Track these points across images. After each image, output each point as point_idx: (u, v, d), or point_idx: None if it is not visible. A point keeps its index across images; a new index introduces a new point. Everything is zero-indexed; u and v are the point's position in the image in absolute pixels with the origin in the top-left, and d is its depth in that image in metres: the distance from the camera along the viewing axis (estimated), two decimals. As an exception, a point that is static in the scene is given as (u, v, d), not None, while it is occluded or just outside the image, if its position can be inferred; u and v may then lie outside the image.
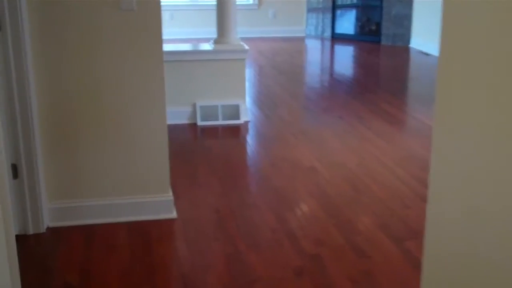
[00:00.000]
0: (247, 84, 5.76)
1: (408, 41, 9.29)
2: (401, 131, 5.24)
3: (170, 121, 4.87)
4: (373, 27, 9.71)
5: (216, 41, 5.25)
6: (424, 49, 8.79)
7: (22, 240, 2.99)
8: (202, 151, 4.61)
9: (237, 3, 9.94)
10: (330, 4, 9.90)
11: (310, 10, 10.15)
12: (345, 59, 9.03)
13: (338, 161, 4.37)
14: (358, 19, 9.92)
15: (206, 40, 8.21)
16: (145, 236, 3.11)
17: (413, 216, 3.43)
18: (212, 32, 5.24)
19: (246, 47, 5.25)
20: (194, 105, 5.21)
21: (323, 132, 5.07)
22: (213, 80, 5.21)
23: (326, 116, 5.60)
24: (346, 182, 3.98)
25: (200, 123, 5.19)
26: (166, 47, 5.30)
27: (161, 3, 3.12)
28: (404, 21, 9.27)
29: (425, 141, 4.86)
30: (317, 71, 7.96)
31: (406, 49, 9.10)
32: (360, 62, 8.53)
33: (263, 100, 6.12)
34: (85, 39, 3.02)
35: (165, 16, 9.33)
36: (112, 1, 3.01)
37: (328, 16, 9.95)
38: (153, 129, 3.20)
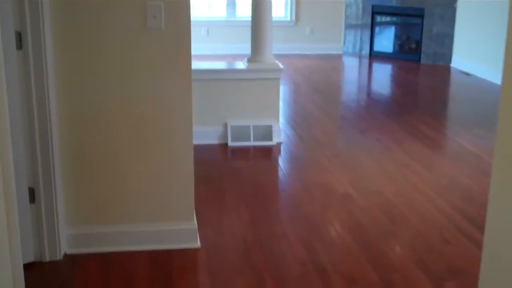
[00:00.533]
0: (281, 103, 5.59)
1: (449, 60, 9.00)
2: (440, 156, 4.99)
3: (200, 141, 4.77)
4: (413, 46, 9.45)
5: (250, 60, 5.10)
6: (466, 69, 8.49)
7: (37, 267, 2.86)
8: (231, 173, 4.44)
9: (274, 19, 9.86)
10: (369, 21, 9.68)
11: (348, 26, 9.95)
12: (383, 78, 8.78)
13: (374, 188, 4.15)
14: (397, 37, 9.67)
15: (242, 56, 8.07)
16: (166, 266, 2.95)
17: (454, 252, 3.20)
18: (248, 48, 5.09)
19: (281, 66, 5.08)
20: (225, 125, 5.05)
21: (359, 155, 4.86)
22: (246, 99, 5.05)
23: (363, 138, 5.38)
24: (382, 211, 3.76)
25: (231, 143, 5.03)
26: (199, 64, 5.22)
27: (197, 19, 2.98)
28: (446, 40, 8.99)
29: (466, 168, 4.62)
30: (354, 90, 7.73)
31: (446, 69, 8.82)
32: (398, 81, 8.28)
33: (298, 120, 5.93)
34: (109, 61, 2.88)
35: (201, 32, 9.26)
36: (139, 20, 2.87)
37: (367, 33, 9.73)
38: (178, 152, 3.04)
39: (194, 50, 3.07)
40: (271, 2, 5.05)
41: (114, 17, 2.84)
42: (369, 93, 7.58)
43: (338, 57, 9.81)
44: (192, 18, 2.99)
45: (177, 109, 2.99)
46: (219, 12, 9.90)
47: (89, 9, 2.81)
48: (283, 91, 6.93)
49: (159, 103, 2.96)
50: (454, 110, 6.67)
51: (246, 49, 5.22)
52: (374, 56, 9.71)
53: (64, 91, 2.86)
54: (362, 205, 3.84)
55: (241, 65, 5.16)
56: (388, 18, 9.76)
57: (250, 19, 5.06)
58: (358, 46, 9.88)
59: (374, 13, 9.66)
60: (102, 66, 2.88)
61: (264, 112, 5.09)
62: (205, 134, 4.94)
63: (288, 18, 9.93)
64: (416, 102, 7.05)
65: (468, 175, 4.46)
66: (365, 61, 9.57)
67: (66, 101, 2.87)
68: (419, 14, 9.17)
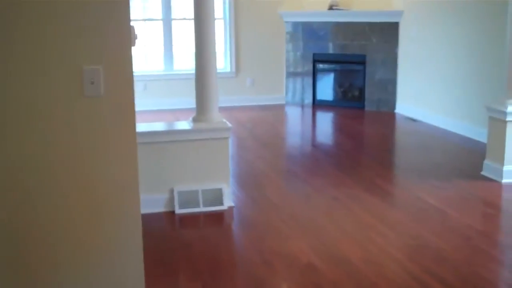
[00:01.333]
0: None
1: (393, 106, 8.90)
2: (403, 212, 4.69)
3: (144, 209, 4.28)
4: (356, 93, 9.32)
5: (195, 119, 4.74)
6: (411, 115, 8.39)
7: None
8: (182, 247, 4.00)
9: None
10: (310, 69, 9.51)
11: (289, 76, 9.74)
12: (329, 127, 8.57)
13: (340, 255, 3.81)
14: (340, 84, 9.53)
15: (182, 111, 7.72)
16: None
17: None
18: (189, 103, 4.73)
19: (229, 124, 4.73)
20: (171, 191, 4.64)
21: (318, 217, 4.52)
22: (193, 162, 4.67)
23: (318, 197, 5.05)
24: (351, 281, 3.41)
25: (178, 211, 4.60)
26: (140, 126, 4.79)
27: (134, 73, 2.60)
28: (389, 86, 8.90)
29: (432, 225, 4.36)
30: (302, 142, 7.45)
31: (392, 115, 8.70)
32: (345, 130, 8.06)
33: (247, 180, 5.57)
34: (42, 134, 2.46)
35: (138, 87, 8.86)
36: (75, 87, 2.47)
37: (309, 82, 9.55)
38: (123, 229, 2.61)
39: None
40: (215, 54, 4.73)
41: (46, 84, 2.44)
42: (316, 144, 7.31)
43: (281, 107, 9.57)
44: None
45: (121, 178, 2.58)
46: (156, 65, 9.54)
47: (17, 76, 2.41)
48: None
49: (100, 174, 2.55)
50: (407, 159, 6.45)
51: (186, 103, 4.90)
52: (318, 105, 9.52)
53: (-16, 176, 2.41)
54: (330, 277, 3.49)
55: (185, 125, 4.78)
56: (329, 66, 9.62)
57: (189, 71, 4.77)
58: (300, 95, 9.68)
59: (315, 61, 9.50)
60: (34, 141, 2.46)
61: (213, 174, 4.72)
62: (149, 202, 4.48)
63: (228, 69, 9.65)
64: (366, 152, 6.83)
65: (436, 233, 4.19)
66: (309, 110, 9.36)
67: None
68: (361, 61, 9.07)
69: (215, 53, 4.70)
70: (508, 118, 5.31)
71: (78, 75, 2.48)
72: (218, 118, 4.74)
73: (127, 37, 2.56)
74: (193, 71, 4.74)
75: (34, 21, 2.41)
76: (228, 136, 4.75)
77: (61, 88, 2.47)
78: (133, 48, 2.71)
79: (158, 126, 5.21)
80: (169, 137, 4.64)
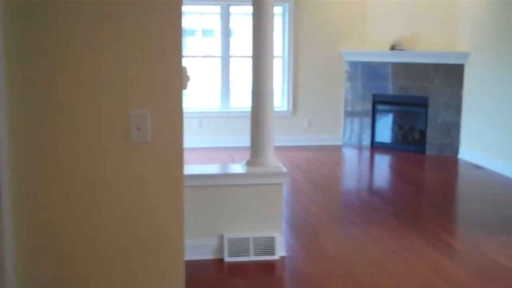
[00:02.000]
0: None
1: (456, 151, 8.49)
2: (471, 273, 4.30)
3: (191, 256, 4.11)
4: (417, 136, 8.96)
5: (249, 162, 4.52)
6: (475, 161, 7.97)
7: None
8: (230, 300, 3.76)
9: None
10: (369, 110, 9.23)
11: (347, 117, 9.46)
12: (388, 171, 8.21)
13: (400, 319, 3.48)
14: (400, 126, 9.18)
15: (238, 149, 7.54)
16: None
17: None
18: (245, 140, 4.51)
19: (284, 169, 4.49)
20: (221, 237, 4.41)
21: (377, 274, 4.20)
22: (245, 208, 4.44)
23: (377, 250, 4.72)
24: None
25: (227, 259, 4.37)
26: (191, 168, 4.62)
27: (189, 110, 2.43)
28: (452, 130, 8.52)
29: (501, 287, 3.97)
30: (359, 187, 7.12)
31: (454, 161, 8.29)
32: (405, 175, 7.67)
33: (301, 227, 5.29)
34: (87, 176, 2.31)
35: (193, 124, 8.75)
36: (121, 131, 2.31)
37: (367, 123, 9.25)
38: (166, 277, 2.44)
39: (186, 143, 2.52)
40: (272, 93, 4.53)
41: (90, 130, 2.29)
42: (374, 190, 6.96)
43: (338, 148, 9.29)
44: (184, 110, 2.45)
45: (165, 226, 2.40)
46: (213, 102, 9.43)
47: (57, 123, 2.27)
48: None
49: (145, 220, 2.38)
50: (472, 211, 6.04)
51: (241, 141, 4.70)
52: (376, 147, 9.20)
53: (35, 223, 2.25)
54: None
55: (239, 168, 4.57)
56: (389, 107, 9.29)
57: (245, 109, 4.55)
58: (358, 137, 9.38)
59: (375, 102, 9.21)
60: (79, 184, 2.31)
61: (265, 222, 4.47)
62: (197, 248, 4.31)
63: (285, 108, 9.46)
64: (427, 201, 6.44)
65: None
66: (366, 153, 9.04)
67: (27, 209, 2.26)
68: (423, 103, 8.73)
69: (272, 92, 4.51)
70: None
71: (125, 119, 2.32)
72: (273, 162, 4.51)
73: (178, 80, 2.39)
74: (250, 109, 4.55)
75: (84, 63, 2.27)
76: (283, 182, 4.51)
77: (107, 132, 2.32)
78: (187, 89, 2.55)
79: (210, 169, 5.01)
80: (221, 181, 4.43)
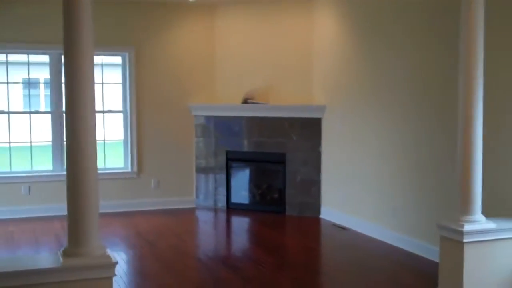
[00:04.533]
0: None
1: (318, 211, 7.87)
2: None
3: None
4: (276, 195, 8.25)
5: (66, 252, 3.43)
6: (338, 221, 7.37)
7: None
8: None
9: (111, 171, 8.26)
10: (223, 167, 8.41)
11: (200, 174, 8.57)
12: (246, 239, 7.29)
13: None
14: (257, 185, 8.43)
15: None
16: None
17: None
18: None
19: (114, 259, 3.45)
20: None
21: None
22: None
23: None
24: None
25: None
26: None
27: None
28: (312, 188, 7.90)
29: None
30: (214, 262, 5.95)
31: (316, 221, 7.66)
32: (265, 242, 6.77)
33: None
34: None
35: (21, 190, 7.46)
36: None
37: (222, 182, 8.41)
38: None
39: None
40: (95, 152, 3.47)
41: None
42: (231, 266, 5.86)
43: (191, 211, 8.35)
44: None
45: None
46: (44, 164, 8.17)
47: None
48: (119, 270, 5.31)
49: None
50: (342, 285, 5.29)
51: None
52: (232, 208, 8.37)
53: None
54: None
55: (52, 261, 3.45)
56: (245, 164, 8.53)
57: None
58: (213, 198, 8.51)
59: (228, 159, 8.42)
60: None
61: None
62: None
63: (129, 169, 8.39)
64: (291, 276, 5.59)
65: None
66: (222, 216, 8.18)
67: None
68: (280, 159, 8.06)
69: (95, 151, 3.46)
70: (466, 239, 4.34)
71: None
72: (99, 249, 3.45)
73: None
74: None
75: None
76: (112, 275, 3.46)
77: None
78: None
79: (12, 263, 3.78)
80: (26, 280, 3.29)
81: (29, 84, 8.44)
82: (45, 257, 3.84)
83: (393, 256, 6.00)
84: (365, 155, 6.86)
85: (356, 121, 7.04)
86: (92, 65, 3.40)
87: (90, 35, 3.37)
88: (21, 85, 8.44)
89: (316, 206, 7.89)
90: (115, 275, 3.48)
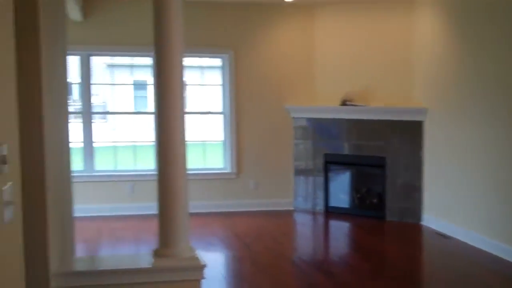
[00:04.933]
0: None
1: (419, 217, 7.59)
2: None
3: None
4: (375, 200, 8.04)
5: (157, 252, 3.48)
6: (441, 229, 7.05)
7: None
8: None
9: (211, 171, 8.37)
10: (322, 170, 8.30)
11: (299, 177, 8.50)
12: (344, 245, 7.08)
13: None
14: (356, 189, 8.25)
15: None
16: None
17: None
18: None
19: (203, 262, 3.46)
20: None
21: None
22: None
23: None
24: None
25: None
26: (81, 262, 3.56)
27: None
28: (413, 193, 7.63)
29: None
30: (311, 267, 5.85)
31: (418, 228, 7.38)
32: (364, 249, 6.59)
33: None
34: None
35: (126, 188, 7.70)
36: None
37: (321, 185, 8.31)
38: None
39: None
40: (185, 156, 3.50)
41: None
42: (329, 271, 5.72)
43: (288, 214, 8.30)
44: None
45: None
46: (147, 163, 8.41)
47: None
48: (215, 271, 5.33)
49: None
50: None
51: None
52: (331, 212, 8.24)
53: None
54: None
55: (144, 260, 3.51)
56: (344, 168, 8.38)
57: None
58: (311, 201, 8.42)
59: (327, 162, 8.30)
60: None
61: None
62: None
63: (228, 170, 8.47)
64: (389, 285, 5.41)
65: None
66: (320, 219, 8.07)
67: None
68: (380, 163, 7.85)
69: (184, 154, 3.49)
70: None
71: None
72: (187, 252, 3.48)
73: None
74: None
75: None
76: (200, 278, 3.47)
77: None
78: None
79: (106, 261, 3.90)
80: (116, 279, 3.36)
81: (134, 85, 8.67)
82: (138, 257, 3.91)
83: (501, 269, 5.66)
84: (471, 161, 6.52)
85: (461, 125, 6.71)
86: (181, 66, 3.42)
87: (180, 36, 3.39)
88: (131, 87, 8.74)
89: (417, 212, 7.61)
90: (203, 278, 3.48)
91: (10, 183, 1.77)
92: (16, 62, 2.02)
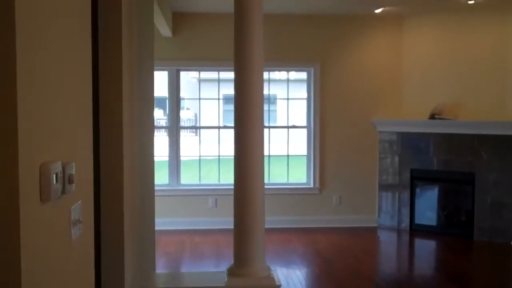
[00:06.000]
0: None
1: (510, 237, 7.21)
2: None
3: None
4: (463, 218, 7.72)
5: (231, 270, 3.46)
6: (534, 250, 6.69)
7: None
8: None
9: (294, 186, 8.30)
10: (408, 186, 8.06)
11: (382, 193, 8.29)
12: (429, 266, 6.83)
13: None
14: (442, 206, 7.96)
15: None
16: None
17: None
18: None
19: (278, 282, 3.41)
20: None
21: None
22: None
23: None
24: None
25: None
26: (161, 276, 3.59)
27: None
28: (504, 212, 7.27)
29: None
30: None
31: (508, 250, 7.01)
32: (450, 271, 6.32)
33: None
34: None
35: (208, 202, 7.76)
36: None
37: (406, 201, 8.07)
38: None
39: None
40: (263, 169, 3.47)
41: None
42: None
43: (372, 231, 8.10)
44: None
45: None
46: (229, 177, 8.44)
47: None
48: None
49: None
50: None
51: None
52: (416, 229, 7.98)
53: None
54: None
55: (218, 279, 3.50)
56: (430, 184, 8.11)
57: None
58: (396, 218, 8.19)
59: (413, 178, 8.05)
60: None
61: None
62: None
63: (311, 185, 8.38)
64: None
65: None
66: (405, 238, 7.82)
67: None
68: (469, 179, 7.54)
69: (262, 167, 3.46)
70: None
71: None
72: (263, 271, 3.43)
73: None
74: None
75: None
76: (276, 299, 3.41)
77: None
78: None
79: (182, 279, 3.92)
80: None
81: (219, 100, 8.76)
82: (212, 276, 3.91)
83: None
84: None
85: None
86: (260, 80, 3.41)
87: (259, 51, 3.38)
88: (221, 101, 8.85)
89: (508, 232, 7.25)
90: (278, 297, 3.43)
91: (79, 201, 1.79)
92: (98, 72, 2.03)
